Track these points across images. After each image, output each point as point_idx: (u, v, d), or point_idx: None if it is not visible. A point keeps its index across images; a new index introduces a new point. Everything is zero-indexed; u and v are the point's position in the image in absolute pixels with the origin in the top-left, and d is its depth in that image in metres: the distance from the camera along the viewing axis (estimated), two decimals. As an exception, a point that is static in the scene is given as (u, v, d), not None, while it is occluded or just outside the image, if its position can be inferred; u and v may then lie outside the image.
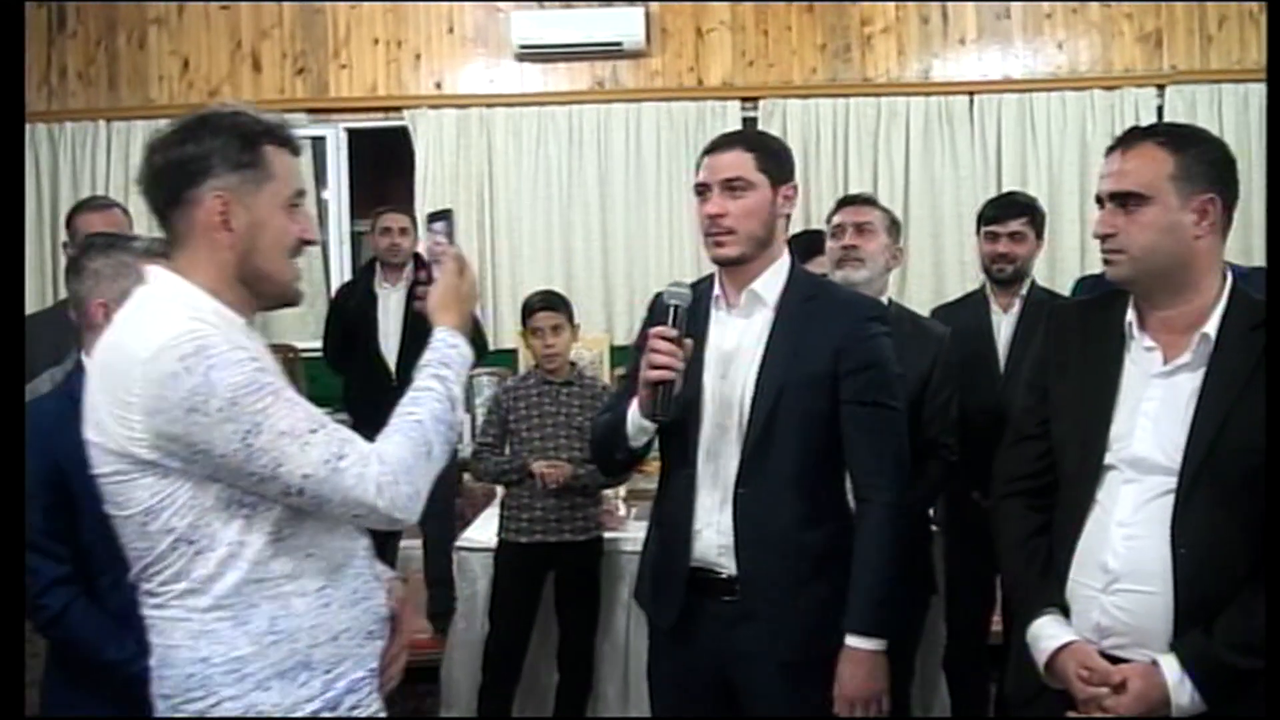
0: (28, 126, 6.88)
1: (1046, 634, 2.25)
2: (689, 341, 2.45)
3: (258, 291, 1.96)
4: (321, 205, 7.20)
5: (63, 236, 4.29)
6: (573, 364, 4.24)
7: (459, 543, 4.34)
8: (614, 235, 6.93)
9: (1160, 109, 6.63)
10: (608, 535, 4.13)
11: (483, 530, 4.35)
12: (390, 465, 1.86)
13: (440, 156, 6.95)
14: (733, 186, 2.52)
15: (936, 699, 4.00)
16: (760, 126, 6.83)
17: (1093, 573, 2.21)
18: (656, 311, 2.54)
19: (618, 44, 6.85)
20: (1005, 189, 6.61)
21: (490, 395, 4.70)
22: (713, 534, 2.54)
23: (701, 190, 2.57)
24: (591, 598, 4.06)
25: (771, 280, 2.59)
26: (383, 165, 7.23)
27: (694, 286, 2.65)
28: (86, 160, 6.97)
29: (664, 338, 2.41)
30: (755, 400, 2.51)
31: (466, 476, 5.51)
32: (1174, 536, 2.11)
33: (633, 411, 2.52)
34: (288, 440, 1.79)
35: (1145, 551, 2.13)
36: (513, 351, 6.52)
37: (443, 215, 2.28)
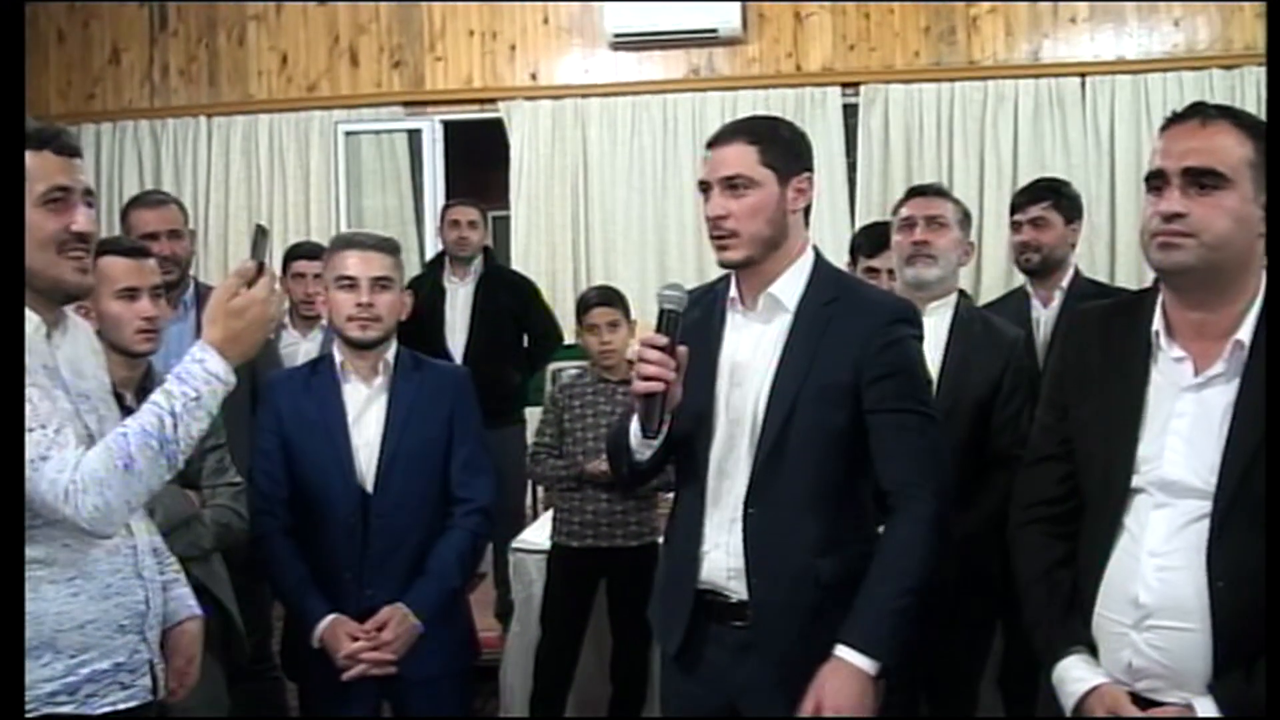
0: (130, 123, 7.12)
1: (1074, 676, 2.08)
2: (683, 350, 2.26)
3: (34, 288, 2.03)
4: (418, 198, 7.23)
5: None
6: (630, 362, 4.09)
7: (515, 544, 4.26)
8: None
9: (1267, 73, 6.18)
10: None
11: (540, 532, 4.25)
12: (82, 475, 1.93)
13: (535, 148, 6.91)
14: (734, 185, 2.31)
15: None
16: (862, 113, 6.70)
17: (1122, 607, 2.02)
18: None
19: (713, 31, 6.69)
20: (1119, 174, 6.39)
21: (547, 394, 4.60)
22: (721, 555, 2.36)
23: (703, 188, 2.39)
24: (646, 606, 3.89)
25: (791, 282, 2.37)
26: (478, 157, 7.22)
27: (710, 287, 2.49)
28: (188, 156, 7.13)
29: (654, 346, 2.24)
30: (767, 413, 2.32)
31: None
32: (1210, 567, 1.93)
33: (634, 425, 2.36)
34: None
35: (1180, 585, 1.95)
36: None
37: (256, 230, 2.28)
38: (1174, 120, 2.02)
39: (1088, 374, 2.15)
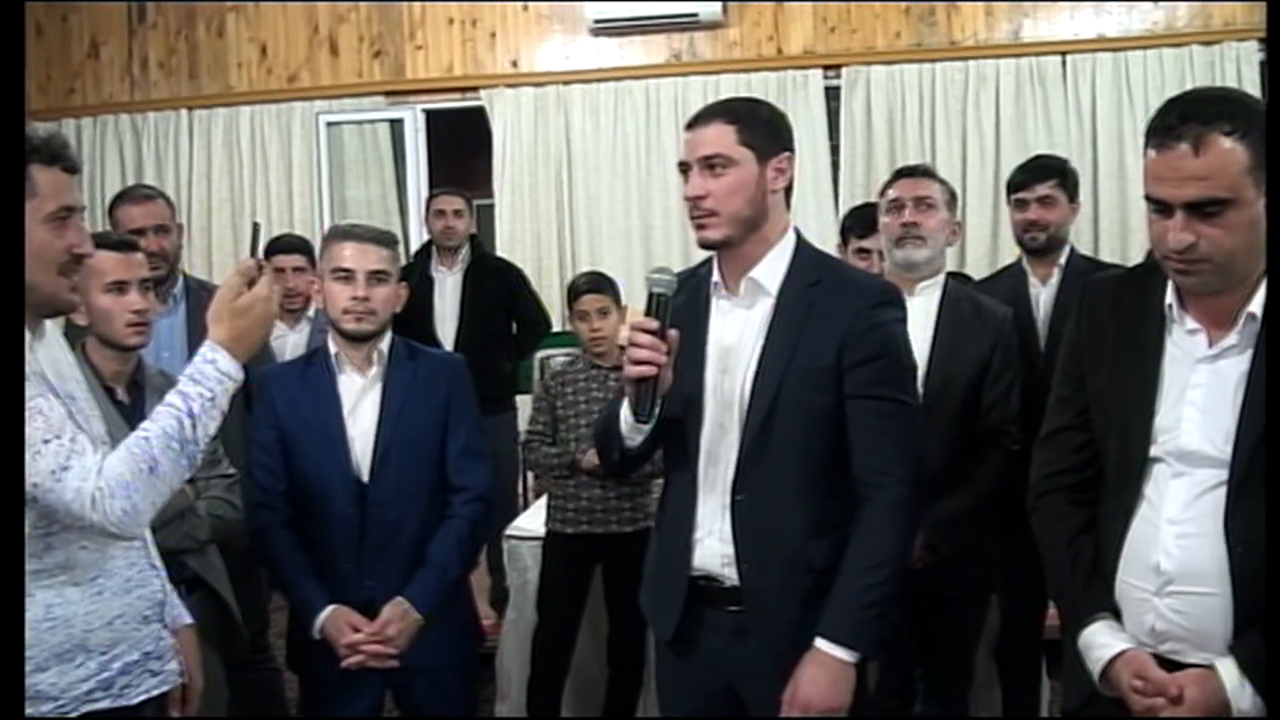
0: (111, 117, 7.09)
1: (1099, 642, 2.10)
2: (674, 333, 2.25)
3: (26, 302, 2.00)
4: (402, 188, 7.22)
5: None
6: (621, 347, 4.07)
7: (509, 531, 4.26)
8: (693, 211, 6.74)
9: (1264, 65, 6.20)
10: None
11: (533, 518, 4.26)
12: (107, 480, 1.95)
13: (518, 135, 6.91)
14: (712, 165, 2.28)
15: (989, 693, 3.80)
16: (844, 95, 6.70)
17: (1144, 574, 2.05)
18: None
19: (694, 15, 6.70)
20: (1101, 153, 6.40)
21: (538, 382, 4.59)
22: (715, 542, 2.35)
23: (683, 169, 2.36)
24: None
25: (772, 266, 2.36)
26: (461, 146, 7.19)
27: (694, 272, 2.48)
28: (170, 149, 7.12)
29: (645, 330, 2.23)
30: (752, 398, 2.31)
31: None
32: (1229, 533, 1.95)
33: (625, 410, 2.35)
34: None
35: (1199, 550, 1.98)
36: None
37: (254, 228, 2.39)
38: (1161, 136, 1.96)
39: (1103, 346, 2.17)
